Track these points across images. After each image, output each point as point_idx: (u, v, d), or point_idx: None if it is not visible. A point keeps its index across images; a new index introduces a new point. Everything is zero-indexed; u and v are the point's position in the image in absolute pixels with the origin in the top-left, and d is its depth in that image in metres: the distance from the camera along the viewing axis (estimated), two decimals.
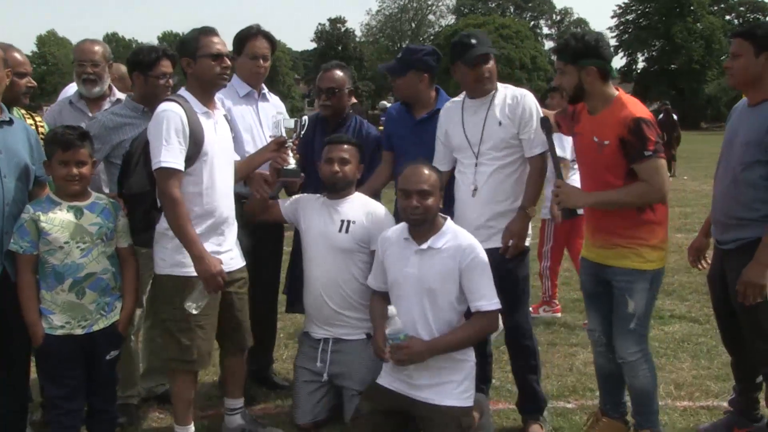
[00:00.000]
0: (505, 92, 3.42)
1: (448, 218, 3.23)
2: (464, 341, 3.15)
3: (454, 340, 3.12)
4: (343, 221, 3.54)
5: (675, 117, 17.32)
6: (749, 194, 3.01)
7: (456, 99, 3.57)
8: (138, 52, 3.68)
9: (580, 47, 3.00)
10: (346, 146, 3.55)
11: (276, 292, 4.13)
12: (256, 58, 3.81)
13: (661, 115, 16.35)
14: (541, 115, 3.35)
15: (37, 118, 3.54)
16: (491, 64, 3.38)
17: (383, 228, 3.47)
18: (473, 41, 3.35)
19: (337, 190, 3.57)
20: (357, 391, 3.44)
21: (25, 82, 3.32)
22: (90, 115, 3.80)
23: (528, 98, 3.37)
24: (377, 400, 3.24)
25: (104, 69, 3.83)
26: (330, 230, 3.54)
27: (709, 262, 3.45)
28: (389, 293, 3.30)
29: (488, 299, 3.12)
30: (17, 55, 3.30)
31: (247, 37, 3.81)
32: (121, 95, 4.00)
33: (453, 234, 3.16)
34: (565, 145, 4.63)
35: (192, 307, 3.08)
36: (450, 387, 3.13)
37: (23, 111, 3.46)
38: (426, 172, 3.14)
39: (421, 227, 3.15)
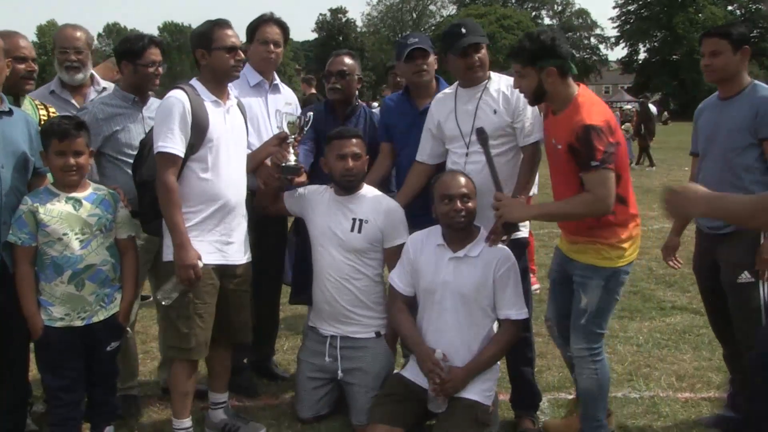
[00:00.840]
0: (500, 81, 3.37)
1: (482, 227, 3.24)
2: (497, 355, 3.29)
3: (488, 357, 3.23)
4: (355, 220, 3.46)
5: (652, 108, 17.93)
6: (746, 177, 3.11)
7: (447, 90, 3.51)
8: (125, 40, 3.62)
9: (537, 48, 2.91)
10: (354, 140, 3.46)
11: (279, 285, 4.11)
12: (267, 43, 3.81)
13: (636, 107, 17.12)
14: None
15: (51, 109, 3.49)
16: (482, 52, 3.33)
17: (397, 225, 3.46)
18: (463, 30, 3.30)
19: (352, 187, 3.49)
20: (368, 389, 3.42)
21: (24, 67, 3.27)
22: (74, 103, 3.74)
23: None
24: (398, 387, 3.31)
25: (87, 56, 3.77)
26: (342, 229, 3.47)
27: (680, 261, 3.58)
28: (420, 299, 3.33)
29: (518, 308, 3.23)
30: (20, 41, 3.26)
31: (258, 23, 3.83)
32: (107, 84, 3.96)
33: None
34: None
35: (163, 299, 3.08)
36: (474, 383, 3.20)
37: (37, 102, 3.43)
38: (463, 179, 3.20)
39: (462, 233, 3.20)
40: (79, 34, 3.76)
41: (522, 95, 3.19)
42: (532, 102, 3.07)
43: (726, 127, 3.17)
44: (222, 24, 3.18)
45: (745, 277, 3.08)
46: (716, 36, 3.17)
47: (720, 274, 3.20)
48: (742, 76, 3.18)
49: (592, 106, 2.91)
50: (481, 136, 3.18)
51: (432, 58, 3.61)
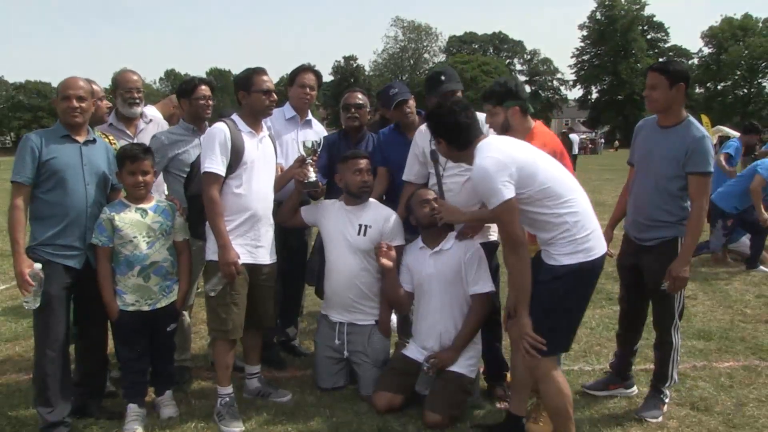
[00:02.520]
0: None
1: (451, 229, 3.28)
2: (475, 327, 3.28)
3: (468, 330, 3.25)
4: (361, 225, 3.47)
5: (573, 138, 17.77)
6: (669, 202, 3.05)
7: None
8: (181, 83, 3.75)
9: (504, 91, 3.00)
10: (365, 160, 3.50)
11: (302, 279, 4.10)
12: (304, 87, 3.89)
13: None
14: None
15: (111, 137, 3.57)
16: (456, 97, 3.32)
17: (394, 228, 3.48)
18: (442, 77, 3.36)
19: (365, 196, 3.51)
20: (370, 366, 3.45)
21: (105, 104, 3.39)
22: (128, 132, 3.81)
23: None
24: (399, 363, 3.35)
25: (142, 94, 3.89)
26: (350, 233, 3.47)
27: (612, 251, 3.46)
28: (416, 293, 3.38)
29: (483, 283, 3.24)
30: (95, 87, 3.36)
31: (299, 71, 3.93)
32: (154, 115, 4.07)
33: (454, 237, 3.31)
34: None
35: (210, 291, 3.09)
36: (461, 359, 3.23)
37: (99, 132, 3.49)
38: (430, 191, 3.33)
39: (436, 231, 3.27)
40: (136, 77, 3.89)
41: (490, 128, 3.20)
42: (500, 134, 3.08)
43: (660, 155, 3.04)
44: (260, 71, 3.21)
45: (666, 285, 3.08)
46: (656, 71, 3.00)
47: (643, 277, 3.19)
48: (677, 109, 3.00)
49: (545, 135, 3.00)
50: (434, 156, 3.28)
51: (412, 101, 3.69)
